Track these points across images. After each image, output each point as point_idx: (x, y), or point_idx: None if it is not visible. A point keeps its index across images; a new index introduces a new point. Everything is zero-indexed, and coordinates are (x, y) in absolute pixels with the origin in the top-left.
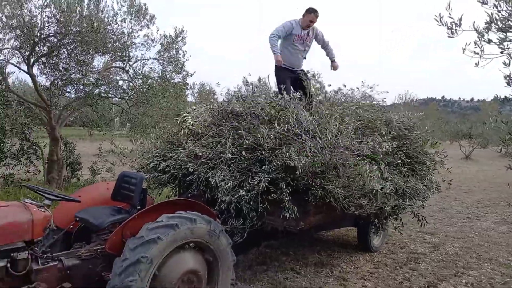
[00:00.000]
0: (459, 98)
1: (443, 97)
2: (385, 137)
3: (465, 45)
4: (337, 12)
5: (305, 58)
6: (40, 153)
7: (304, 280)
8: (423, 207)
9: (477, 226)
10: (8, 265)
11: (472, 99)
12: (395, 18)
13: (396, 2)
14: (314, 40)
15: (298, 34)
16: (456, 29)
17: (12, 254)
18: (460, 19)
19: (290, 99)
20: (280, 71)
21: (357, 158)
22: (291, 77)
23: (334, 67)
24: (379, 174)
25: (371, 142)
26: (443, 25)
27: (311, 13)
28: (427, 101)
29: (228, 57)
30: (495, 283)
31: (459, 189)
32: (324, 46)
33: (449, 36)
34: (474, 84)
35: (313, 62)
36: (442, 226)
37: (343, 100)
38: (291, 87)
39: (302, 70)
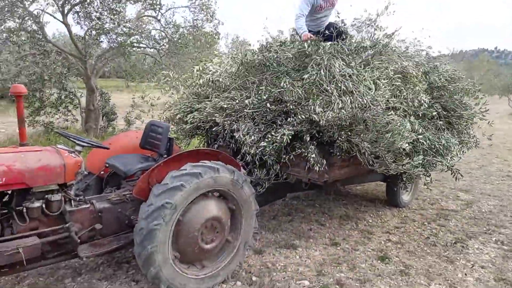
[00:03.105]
0: None
1: (496, 47)
2: (421, 86)
3: None
4: None
5: (327, 19)
6: (77, 102)
7: (328, 231)
8: (455, 163)
9: None
10: (43, 206)
11: None
12: None
13: None
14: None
15: (320, 4)
16: None
17: (46, 196)
18: None
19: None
20: None
21: (389, 113)
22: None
23: None
24: (409, 128)
25: (407, 94)
26: None
27: None
28: (478, 52)
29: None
30: None
31: (502, 146)
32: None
33: None
34: None
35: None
36: (479, 183)
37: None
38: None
39: (329, 25)
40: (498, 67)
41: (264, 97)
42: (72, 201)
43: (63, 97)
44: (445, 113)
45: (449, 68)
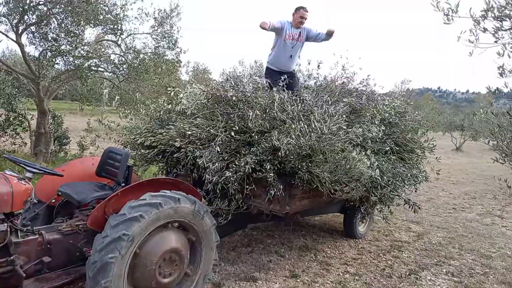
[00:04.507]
0: (455, 90)
1: (439, 87)
2: (374, 121)
3: (460, 33)
4: None
5: (293, 58)
6: (26, 125)
7: (287, 263)
8: (411, 193)
9: (462, 217)
10: None
11: (467, 91)
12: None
13: None
14: (306, 40)
15: (289, 33)
16: (452, 16)
17: None
18: (457, 5)
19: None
20: (269, 73)
21: (346, 144)
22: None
23: (330, 31)
24: (366, 161)
25: (360, 128)
26: (439, 10)
27: (300, 9)
28: (423, 91)
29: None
30: (474, 273)
31: (447, 180)
32: (318, 38)
33: (445, 23)
34: (470, 76)
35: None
36: (428, 215)
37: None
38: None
39: (292, 72)
40: (441, 105)
41: (232, 131)
42: (19, 231)
43: (11, 119)
44: (397, 148)
45: (399, 105)
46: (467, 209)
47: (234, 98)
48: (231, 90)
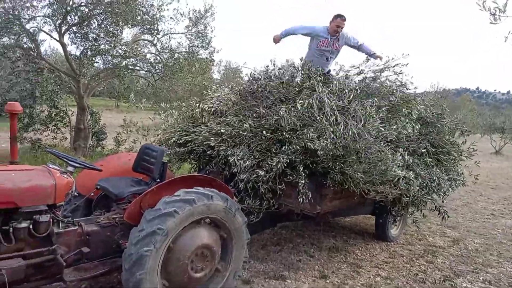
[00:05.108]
0: (495, 90)
1: (477, 88)
2: (409, 119)
3: (508, 33)
4: None
5: (328, 61)
6: (67, 120)
7: (317, 263)
8: (444, 201)
9: (501, 224)
10: (31, 226)
11: (508, 92)
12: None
13: None
14: (345, 45)
15: (323, 39)
16: (499, 15)
17: (34, 217)
18: (505, 5)
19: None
20: None
21: (381, 143)
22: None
23: (378, 58)
24: (402, 161)
25: (395, 126)
26: (485, 10)
27: (337, 17)
28: (461, 91)
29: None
30: None
31: (486, 184)
32: (358, 47)
33: (491, 23)
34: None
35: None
36: (464, 221)
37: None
38: None
39: (328, 72)
40: (480, 106)
41: (264, 129)
42: (60, 222)
43: (53, 115)
44: (433, 149)
45: (437, 105)
46: (507, 215)
47: (260, 89)
48: (256, 81)
